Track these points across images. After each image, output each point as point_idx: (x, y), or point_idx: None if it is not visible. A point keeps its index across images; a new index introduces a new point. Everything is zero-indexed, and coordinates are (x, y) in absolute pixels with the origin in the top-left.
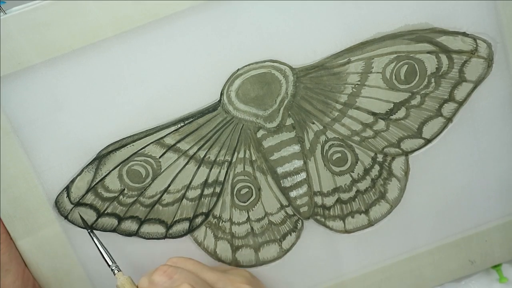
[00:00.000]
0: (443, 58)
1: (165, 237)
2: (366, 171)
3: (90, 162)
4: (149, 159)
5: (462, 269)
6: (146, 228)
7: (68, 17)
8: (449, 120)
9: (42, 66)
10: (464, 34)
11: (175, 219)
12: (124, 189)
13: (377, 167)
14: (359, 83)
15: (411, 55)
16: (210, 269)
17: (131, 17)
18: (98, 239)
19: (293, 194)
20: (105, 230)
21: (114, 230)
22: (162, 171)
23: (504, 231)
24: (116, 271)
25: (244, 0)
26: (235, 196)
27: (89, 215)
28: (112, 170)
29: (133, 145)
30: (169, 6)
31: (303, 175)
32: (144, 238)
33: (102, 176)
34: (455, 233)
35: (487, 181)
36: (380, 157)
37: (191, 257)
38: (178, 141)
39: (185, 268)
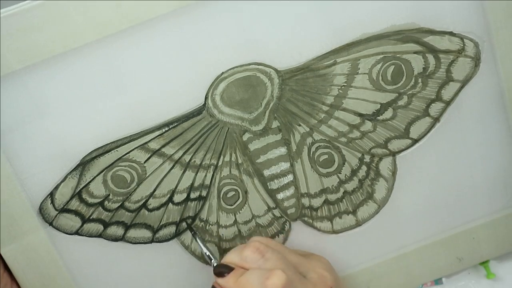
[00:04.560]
0: (430, 58)
1: (151, 241)
2: (354, 172)
3: (74, 168)
4: (133, 164)
5: (450, 266)
6: (133, 233)
7: (48, 22)
8: (436, 120)
9: (23, 72)
10: (451, 33)
11: (161, 223)
12: (109, 195)
13: (364, 167)
14: (345, 84)
15: (397, 55)
16: (292, 251)
17: (112, 21)
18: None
19: (280, 196)
20: (91, 236)
21: (100, 235)
22: (147, 176)
23: (491, 228)
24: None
25: (227, 1)
26: (221, 199)
27: (74, 221)
28: (97, 175)
29: (117, 150)
30: (151, 10)
31: (290, 177)
32: (131, 242)
33: (87, 182)
34: (443, 231)
35: (474, 179)
36: (367, 158)
37: (179, 261)
38: (163, 146)
39: (270, 246)
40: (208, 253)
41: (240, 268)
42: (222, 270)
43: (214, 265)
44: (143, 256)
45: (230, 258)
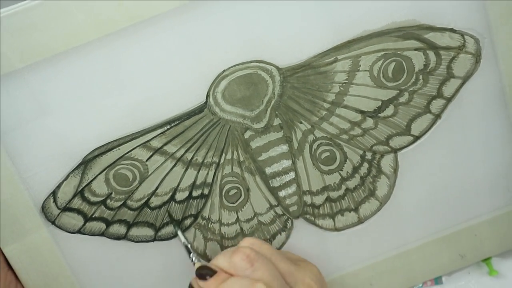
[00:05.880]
0: (431, 54)
1: (154, 239)
2: (355, 169)
3: (76, 167)
4: (136, 162)
5: (453, 263)
6: (135, 231)
7: (50, 21)
8: (437, 116)
9: (25, 70)
10: (451, 30)
11: (163, 222)
12: (111, 193)
13: (366, 165)
14: (346, 81)
15: (398, 52)
16: (283, 259)
17: (114, 19)
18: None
19: (282, 193)
20: (93, 234)
21: (102, 234)
22: (149, 174)
23: (493, 225)
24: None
25: (229, 0)
26: (223, 197)
27: (77, 220)
28: (99, 174)
29: (119, 149)
30: (153, 8)
31: (291, 175)
32: (133, 241)
33: (89, 181)
34: (445, 228)
35: (476, 176)
36: (369, 155)
37: (182, 259)
38: (165, 144)
39: (262, 253)
40: (190, 248)
41: (224, 273)
42: (204, 272)
43: (195, 262)
44: (145, 255)
45: (218, 261)
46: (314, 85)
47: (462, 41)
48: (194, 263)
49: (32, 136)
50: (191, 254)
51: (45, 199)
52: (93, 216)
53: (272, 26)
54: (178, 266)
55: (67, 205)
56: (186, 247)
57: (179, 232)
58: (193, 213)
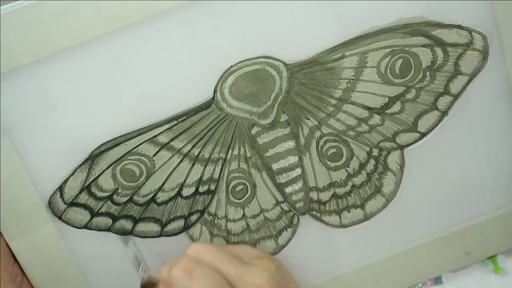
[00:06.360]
0: (438, 51)
1: (160, 235)
2: (362, 166)
3: (83, 162)
4: (142, 157)
5: (458, 260)
6: (141, 227)
7: (57, 16)
8: (444, 113)
9: (32, 66)
10: (459, 27)
11: (170, 217)
12: (118, 188)
13: (372, 161)
14: (353, 77)
15: (406, 49)
16: (231, 262)
17: (121, 15)
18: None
19: (288, 190)
20: (99, 230)
21: (108, 229)
22: (156, 169)
23: (499, 223)
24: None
25: None
26: (230, 193)
27: (83, 215)
28: (106, 169)
29: (126, 144)
30: (160, 4)
31: (298, 171)
32: (139, 236)
33: (95, 176)
34: (451, 225)
35: (482, 173)
36: (375, 152)
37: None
38: (172, 139)
39: (205, 260)
40: (139, 259)
41: (164, 286)
42: (148, 285)
43: (141, 274)
44: (152, 250)
45: (161, 272)
46: (321, 81)
47: (470, 38)
48: (141, 274)
49: (39, 131)
50: (140, 270)
51: (52, 194)
52: (100, 212)
53: (280, 22)
54: None
55: (74, 200)
56: (136, 258)
57: (130, 243)
58: (199, 209)
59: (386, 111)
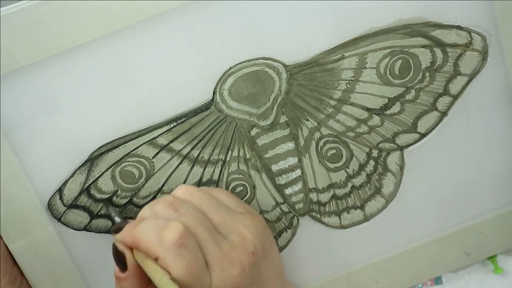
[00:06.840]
0: (438, 52)
1: None
2: (361, 167)
3: (82, 164)
4: (142, 159)
5: (458, 261)
6: None
7: (56, 18)
8: (444, 114)
9: (31, 67)
10: (458, 27)
11: None
12: (118, 190)
13: (372, 162)
14: (353, 79)
15: (405, 49)
16: (218, 209)
17: (120, 16)
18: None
19: (288, 191)
20: (99, 232)
21: (108, 231)
22: (155, 171)
23: (499, 223)
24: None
25: None
26: None
27: (83, 217)
28: (105, 171)
29: (125, 146)
30: (159, 5)
31: (298, 172)
32: None
33: (95, 178)
34: (451, 226)
35: (482, 174)
36: (375, 153)
37: None
38: (171, 141)
39: (192, 202)
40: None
41: (140, 219)
42: (120, 226)
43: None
44: None
45: (142, 212)
46: (321, 82)
47: (469, 39)
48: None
49: (38, 133)
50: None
51: (51, 196)
52: (99, 213)
53: (279, 23)
54: None
55: (73, 202)
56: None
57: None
58: None
59: (386, 112)
